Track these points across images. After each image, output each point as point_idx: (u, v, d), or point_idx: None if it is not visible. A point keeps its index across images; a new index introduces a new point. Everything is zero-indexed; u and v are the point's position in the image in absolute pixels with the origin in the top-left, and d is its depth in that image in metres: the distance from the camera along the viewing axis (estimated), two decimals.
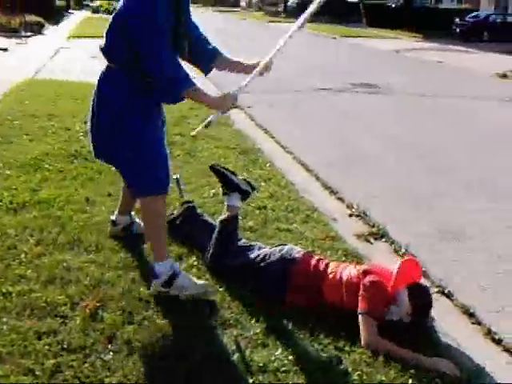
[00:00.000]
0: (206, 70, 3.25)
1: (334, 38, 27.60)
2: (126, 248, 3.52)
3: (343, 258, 3.58)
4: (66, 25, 29.00)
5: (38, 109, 7.49)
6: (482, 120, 9.34)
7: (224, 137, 6.63)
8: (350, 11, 42.23)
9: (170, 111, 4.61)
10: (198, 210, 3.86)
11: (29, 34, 21.04)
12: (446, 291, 3.48)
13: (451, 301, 3.41)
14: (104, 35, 2.99)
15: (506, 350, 2.96)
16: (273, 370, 2.51)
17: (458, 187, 5.71)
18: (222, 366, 2.53)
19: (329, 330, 2.81)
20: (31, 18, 22.94)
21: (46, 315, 2.79)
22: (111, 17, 2.95)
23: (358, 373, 2.54)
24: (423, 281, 3.23)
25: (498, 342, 3.01)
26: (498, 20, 29.27)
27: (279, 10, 55.06)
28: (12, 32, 20.17)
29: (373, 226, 4.40)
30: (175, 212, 3.83)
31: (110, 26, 2.93)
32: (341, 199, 5.03)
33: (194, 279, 3.06)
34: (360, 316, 2.77)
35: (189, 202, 3.91)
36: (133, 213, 3.75)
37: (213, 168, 3.57)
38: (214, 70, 3.29)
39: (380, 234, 4.26)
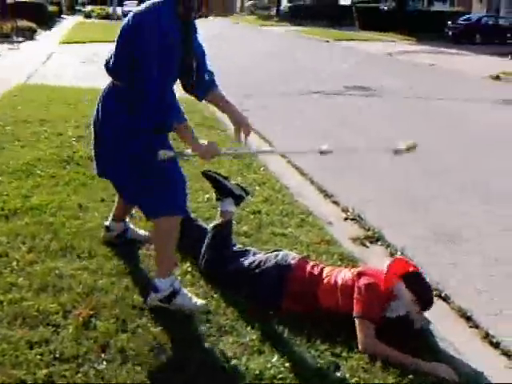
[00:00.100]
0: (200, 100, 3.20)
1: (327, 42, 27.64)
2: (120, 254, 3.48)
3: (339, 263, 3.55)
4: (59, 30, 28.99)
5: (30, 114, 7.44)
6: (474, 122, 9.35)
7: (218, 141, 6.57)
8: (342, 15, 42.37)
9: None
10: (192, 215, 3.82)
11: (21, 39, 21.02)
12: (442, 294, 3.45)
13: (448, 304, 3.39)
14: (110, 52, 2.89)
15: (504, 353, 2.93)
16: (269, 378, 2.48)
17: (452, 189, 5.70)
18: (218, 374, 2.49)
19: (325, 335, 2.78)
20: (23, 23, 22.93)
21: (37, 324, 2.74)
22: (118, 33, 2.83)
23: (356, 379, 2.51)
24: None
25: (496, 345, 2.99)
26: (490, 22, 29.41)
27: (271, 14, 55.18)
28: (4, 37, 20.15)
29: (368, 230, 4.38)
30: None
31: (116, 42, 2.83)
32: (336, 203, 5.00)
33: (194, 298, 2.97)
34: (356, 319, 2.75)
35: None
36: (127, 219, 3.70)
37: (205, 174, 3.54)
38: None
39: (376, 238, 4.24)
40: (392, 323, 2.77)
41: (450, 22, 29.68)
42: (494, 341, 3.01)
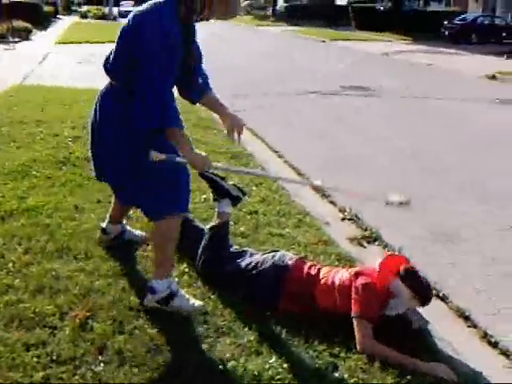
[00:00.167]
0: (194, 103, 3.19)
1: (324, 42, 27.65)
2: (116, 256, 3.46)
3: (336, 263, 3.54)
4: (54, 30, 28.93)
5: (26, 115, 7.41)
6: (472, 122, 9.36)
7: (214, 141, 6.59)
8: (339, 15, 42.40)
9: None
10: (190, 216, 3.81)
11: (16, 39, 20.96)
12: (440, 294, 3.45)
13: (446, 304, 3.38)
14: (110, 53, 2.85)
15: (503, 353, 2.93)
16: (268, 379, 2.46)
17: (450, 189, 5.70)
18: (216, 376, 2.47)
19: (323, 336, 2.76)
20: (19, 23, 22.88)
21: (34, 326, 2.72)
22: (118, 33, 2.78)
23: (355, 379, 2.50)
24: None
25: (495, 345, 2.99)
26: (486, 22, 29.47)
27: (268, 13, 55.18)
28: None
29: (366, 230, 4.37)
30: None
31: (116, 43, 2.78)
32: (333, 203, 4.99)
33: (192, 300, 2.95)
34: (354, 320, 2.74)
35: None
36: (124, 221, 3.67)
37: (202, 174, 3.52)
38: None
39: (373, 238, 4.23)
40: (391, 322, 2.76)
41: (446, 22, 29.73)
42: (493, 340, 3.00)
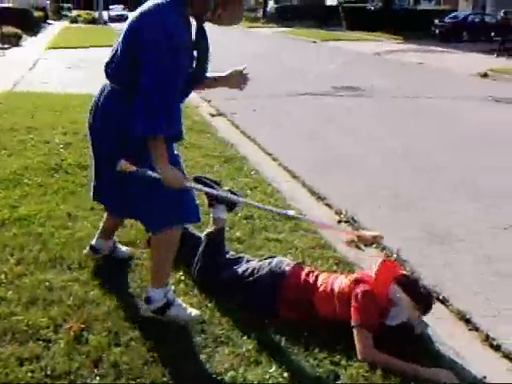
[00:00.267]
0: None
1: (315, 42, 27.66)
2: (111, 265, 3.39)
3: (334, 267, 3.50)
4: (45, 36, 28.80)
5: (17, 122, 7.33)
6: (464, 120, 9.35)
7: (208, 145, 6.55)
8: (329, 15, 42.45)
9: None
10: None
11: (6, 45, 20.83)
12: (440, 297, 3.41)
13: (446, 307, 3.34)
14: (110, 55, 2.74)
15: (506, 356, 2.89)
16: None
17: (442, 188, 5.68)
18: None
19: (323, 343, 2.72)
20: (8, 29, 22.74)
21: (27, 339, 2.66)
22: (121, 35, 2.68)
23: None
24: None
25: (497, 348, 2.95)
26: (477, 20, 29.54)
27: (258, 15, 55.17)
28: None
29: None
30: None
31: (117, 46, 2.68)
32: (329, 205, 4.95)
33: (189, 309, 2.90)
34: (354, 329, 2.69)
35: None
36: (115, 237, 3.50)
37: (196, 180, 3.47)
38: None
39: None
40: (393, 331, 2.72)
41: (436, 21, 29.79)
42: (495, 343, 2.96)
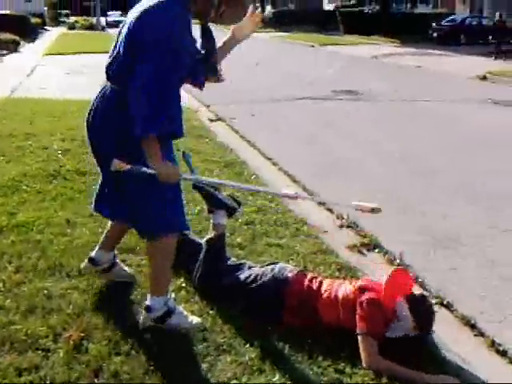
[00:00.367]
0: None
1: (313, 47, 27.67)
2: None
3: (337, 273, 3.46)
4: (42, 42, 28.82)
5: (15, 128, 7.30)
6: (463, 123, 9.31)
7: (207, 150, 6.52)
8: (327, 20, 42.44)
9: None
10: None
11: (4, 52, 20.84)
12: (444, 302, 3.36)
13: (451, 312, 3.29)
14: (111, 57, 2.69)
15: None
16: None
17: (442, 192, 5.65)
18: None
19: (327, 351, 2.67)
20: (6, 36, 22.77)
21: (26, 349, 2.62)
22: (122, 36, 2.62)
23: None
24: (417, 289, 3.12)
25: (503, 353, 2.90)
26: (474, 23, 29.56)
27: None
28: None
29: (364, 237, 4.28)
30: None
31: (118, 48, 2.63)
32: (330, 210, 4.91)
33: (190, 316, 2.86)
34: (359, 337, 2.65)
35: None
36: (115, 251, 3.31)
37: (195, 186, 3.43)
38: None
39: (372, 245, 4.14)
40: (392, 341, 2.68)
41: (434, 24, 29.80)
42: (501, 349, 2.91)
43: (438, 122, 9.33)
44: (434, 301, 3.30)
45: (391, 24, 32.25)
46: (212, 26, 2.76)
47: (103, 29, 43.50)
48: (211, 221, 3.36)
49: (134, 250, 3.66)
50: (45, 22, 47.92)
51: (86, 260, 3.24)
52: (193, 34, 2.66)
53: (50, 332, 2.74)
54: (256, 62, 9.54)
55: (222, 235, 3.30)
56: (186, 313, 2.87)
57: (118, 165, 2.62)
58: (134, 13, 2.62)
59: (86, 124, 2.82)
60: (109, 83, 2.72)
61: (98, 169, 2.96)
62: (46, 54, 20.40)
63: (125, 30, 2.61)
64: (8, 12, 32.42)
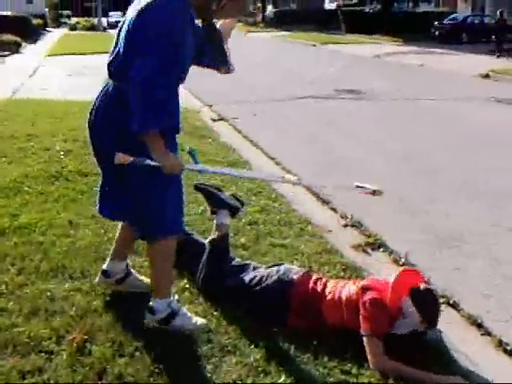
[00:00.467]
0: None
1: (314, 46, 27.63)
2: None
3: (342, 273, 3.43)
4: (44, 43, 28.83)
5: (17, 129, 7.28)
6: (466, 121, 9.28)
7: (210, 150, 6.49)
8: (328, 19, 42.40)
9: None
10: (187, 229, 3.68)
11: (6, 53, 20.85)
12: (451, 301, 3.33)
13: (457, 311, 3.26)
14: (112, 54, 2.67)
15: None
16: None
17: (445, 190, 5.62)
18: None
19: (332, 352, 2.64)
20: (8, 37, 22.79)
21: (29, 351, 2.59)
22: (122, 33, 2.60)
23: None
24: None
25: (511, 353, 2.87)
26: (476, 21, 29.51)
27: (258, 20, 55.19)
28: None
29: (369, 236, 4.25)
30: None
31: (120, 45, 2.61)
32: (334, 209, 4.88)
33: (194, 318, 2.83)
34: (364, 338, 2.62)
35: None
36: (128, 261, 3.23)
37: (197, 187, 3.40)
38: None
39: (377, 244, 4.11)
40: (399, 338, 2.65)
41: (436, 22, 29.75)
42: (509, 348, 2.88)
43: (440, 121, 9.30)
44: (440, 300, 3.27)
45: (393, 23, 32.20)
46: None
47: (105, 29, 43.54)
48: (214, 221, 3.33)
49: (136, 251, 3.63)
50: (46, 23, 47.93)
51: (99, 273, 3.15)
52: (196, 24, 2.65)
53: (53, 334, 2.72)
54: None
55: (225, 235, 3.28)
56: (189, 314, 2.85)
57: (121, 158, 2.61)
58: (133, 9, 2.59)
59: (87, 124, 2.80)
60: (111, 81, 2.70)
61: (99, 169, 2.93)
62: (48, 55, 20.41)
63: (125, 27, 2.58)
64: (9, 13, 32.46)
